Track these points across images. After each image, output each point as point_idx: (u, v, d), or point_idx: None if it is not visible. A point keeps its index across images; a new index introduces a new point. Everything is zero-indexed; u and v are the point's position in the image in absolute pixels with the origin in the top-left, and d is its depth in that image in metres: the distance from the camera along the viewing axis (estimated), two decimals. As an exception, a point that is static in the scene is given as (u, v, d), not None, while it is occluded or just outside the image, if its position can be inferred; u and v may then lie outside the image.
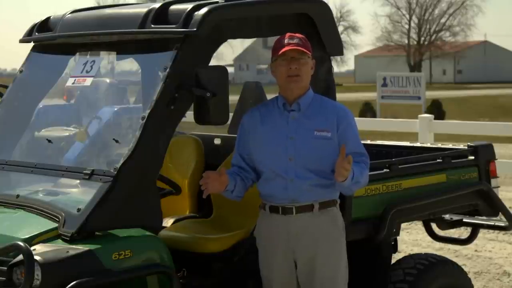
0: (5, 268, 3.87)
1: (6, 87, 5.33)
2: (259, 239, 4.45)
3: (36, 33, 5.06)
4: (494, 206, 5.78)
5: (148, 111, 4.20)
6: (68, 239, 3.99)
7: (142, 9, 4.51)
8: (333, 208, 4.38)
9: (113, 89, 5.49)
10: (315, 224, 4.32)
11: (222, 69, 4.21)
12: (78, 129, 5.20)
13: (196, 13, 4.32)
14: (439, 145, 6.46)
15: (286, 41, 4.27)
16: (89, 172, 4.24)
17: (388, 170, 5.19)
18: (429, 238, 6.77)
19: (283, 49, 4.25)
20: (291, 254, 4.35)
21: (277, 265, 4.37)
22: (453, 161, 5.64)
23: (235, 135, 4.53)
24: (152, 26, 4.40)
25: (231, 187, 4.29)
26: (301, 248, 4.33)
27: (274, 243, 4.35)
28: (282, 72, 4.28)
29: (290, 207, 4.30)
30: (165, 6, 4.47)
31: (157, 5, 4.48)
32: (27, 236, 4.00)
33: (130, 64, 5.00)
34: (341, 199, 4.46)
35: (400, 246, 7.56)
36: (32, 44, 5.17)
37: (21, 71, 5.13)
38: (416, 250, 8.99)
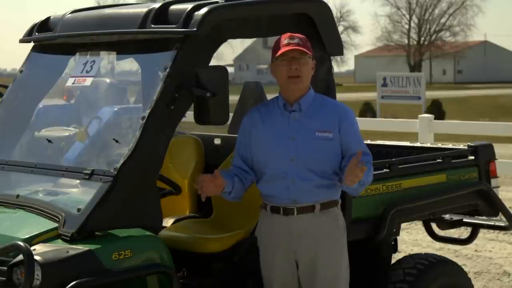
0: (5, 268, 3.87)
1: (6, 87, 5.33)
2: (260, 239, 4.45)
3: (36, 33, 5.06)
4: (494, 206, 5.78)
5: (148, 111, 4.20)
6: (68, 239, 3.99)
7: (142, 9, 4.51)
8: (335, 209, 4.38)
9: (113, 89, 5.49)
10: (316, 225, 4.31)
11: (222, 69, 4.20)
12: (78, 129, 5.20)
13: (196, 13, 4.32)
14: (439, 145, 6.46)
15: (286, 41, 4.27)
16: (89, 172, 4.24)
17: (388, 170, 5.19)
18: (429, 238, 6.77)
19: (283, 49, 4.24)
20: (292, 255, 4.35)
21: (278, 265, 4.37)
22: (453, 161, 5.64)
23: (235, 135, 4.53)
24: (152, 26, 4.40)
25: (229, 188, 4.28)
26: (303, 248, 4.33)
27: (275, 243, 4.35)
28: (283, 73, 4.28)
29: (292, 208, 4.30)
30: (165, 6, 4.47)
31: (157, 5, 4.48)
32: (27, 236, 4.00)
33: (130, 64, 5.00)
34: (341, 199, 4.46)
35: (400, 246, 7.56)
36: (32, 44, 5.17)
37: (21, 71, 5.13)
38: (416, 250, 8.98)
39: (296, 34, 4.31)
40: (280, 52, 4.25)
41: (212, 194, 4.25)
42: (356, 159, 4.07)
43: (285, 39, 4.28)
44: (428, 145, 6.61)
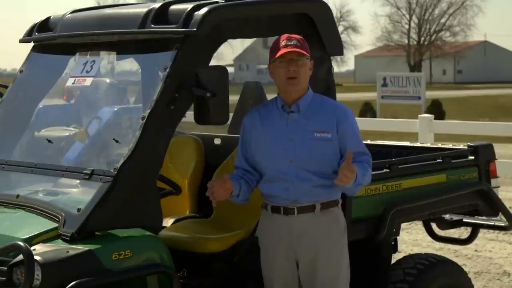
0: (5, 268, 3.87)
1: (6, 87, 5.33)
2: (261, 238, 4.45)
3: (36, 33, 5.07)
4: (494, 206, 5.78)
5: (148, 111, 4.20)
6: (68, 239, 3.99)
7: (142, 9, 4.51)
8: (335, 208, 4.38)
9: (113, 89, 5.49)
10: (316, 225, 4.31)
11: (222, 69, 4.21)
12: (78, 129, 5.20)
13: (196, 13, 4.32)
14: (439, 145, 6.46)
15: (284, 42, 4.26)
16: (89, 172, 4.24)
17: (388, 170, 5.19)
18: (429, 238, 6.77)
19: (281, 51, 4.23)
20: (293, 254, 4.35)
21: (278, 265, 4.37)
22: (453, 161, 5.64)
23: (235, 135, 4.54)
24: (152, 26, 4.40)
25: (236, 192, 4.28)
26: (303, 248, 4.33)
27: (275, 243, 4.35)
28: (281, 74, 4.28)
29: (292, 208, 4.30)
30: (165, 6, 4.47)
31: (157, 5, 4.48)
32: (27, 236, 4.00)
33: (130, 64, 5.00)
34: (341, 199, 4.46)
35: (400, 246, 7.56)
36: (32, 44, 5.17)
37: (21, 71, 5.13)
38: (416, 250, 8.99)
39: (294, 35, 4.30)
40: (278, 54, 4.24)
41: (222, 198, 4.25)
42: (347, 161, 4.08)
43: (283, 40, 4.27)
44: (428, 145, 6.61)
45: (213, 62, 4.44)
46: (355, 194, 4.52)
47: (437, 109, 26.78)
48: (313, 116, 4.31)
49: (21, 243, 3.84)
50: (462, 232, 8.67)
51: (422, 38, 76.59)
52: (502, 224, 6.04)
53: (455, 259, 7.39)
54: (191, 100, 4.23)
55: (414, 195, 5.29)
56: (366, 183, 4.34)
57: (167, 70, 4.25)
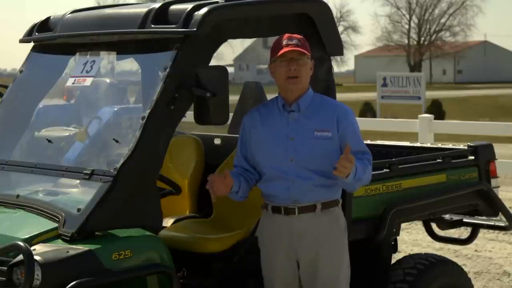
0: (5, 268, 3.87)
1: (6, 87, 5.33)
2: (261, 238, 4.45)
3: (36, 33, 5.07)
4: (494, 206, 5.78)
5: (148, 111, 4.20)
6: (68, 239, 3.99)
7: (142, 9, 4.51)
8: (335, 208, 4.38)
9: (113, 89, 5.49)
10: (317, 224, 4.32)
11: (222, 69, 4.21)
12: (78, 129, 5.20)
13: (196, 13, 4.33)
14: (439, 145, 6.46)
15: (285, 42, 4.27)
16: (89, 172, 4.24)
17: (388, 170, 5.19)
18: (429, 238, 6.77)
19: (282, 50, 4.24)
20: (293, 254, 4.35)
21: (279, 265, 4.37)
22: (453, 161, 5.64)
23: (235, 135, 4.54)
24: (152, 26, 4.40)
25: (236, 188, 4.29)
26: (304, 248, 4.33)
27: (276, 243, 4.35)
28: (282, 73, 4.28)
29: (293, 208, 4.30)
30: (165, 6, 4.47)
31: (157, 5, 4.48)
32: (27, 236, 4.00)
33: (130, 64, 5.00)
34: (341, 199, 4.46)
35: (400, 246, 7.56)
36: (32, 44, 5.17)
37: (21, 71, 5.13)
38: (416, 250, 8.99)
39: (295, 35, 4.31)
40: (279, 53, 4.25)
41: (222, 194, 4.25)
42: (346, 152, 4.08)
43: (283, 40, 4.28)
44: (428, 145, 6.62)
45: (213, 62, 4.44)
46: (355, 190, 4.51)
47: (437, 109, 26.79)
48: (313, 115, 4.32)
49: (21, 243, 3.84)
50: (462, 232, 8.67)
51: (422, 38, 76.61)
52: (502, 224, 6.04)
53: (455, 259, 7.39)
54: (191, 100, 4.23)
55: (414, 195, 5.29)
56: (366, 180, 4.33)
57: (167, 70, 4.25)
